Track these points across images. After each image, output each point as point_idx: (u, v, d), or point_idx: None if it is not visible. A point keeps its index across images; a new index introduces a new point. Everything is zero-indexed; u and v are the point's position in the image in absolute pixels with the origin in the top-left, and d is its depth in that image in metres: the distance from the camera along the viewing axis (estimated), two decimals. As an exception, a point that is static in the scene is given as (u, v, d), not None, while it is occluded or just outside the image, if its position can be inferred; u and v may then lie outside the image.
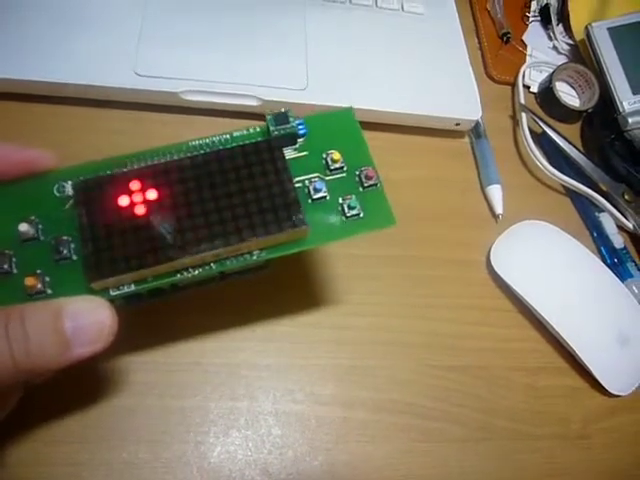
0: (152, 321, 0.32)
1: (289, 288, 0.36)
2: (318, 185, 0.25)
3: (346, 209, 0.26)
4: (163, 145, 0.26)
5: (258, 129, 0.27)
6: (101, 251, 0.23)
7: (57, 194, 0.25)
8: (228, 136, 0.26)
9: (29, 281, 0.22)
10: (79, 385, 0.31)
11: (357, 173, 0.27)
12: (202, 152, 0.25)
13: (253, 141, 0.26)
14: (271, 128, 0.26)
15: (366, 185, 0.26)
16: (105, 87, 0.38)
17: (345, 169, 0.27)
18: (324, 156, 0.27)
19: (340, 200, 0.26)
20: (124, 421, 0.31)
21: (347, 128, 0.28)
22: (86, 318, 0.22)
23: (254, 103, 0.40)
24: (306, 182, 0.26)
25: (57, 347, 0.21)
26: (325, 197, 0.26)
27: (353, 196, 0.26)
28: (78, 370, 0.30)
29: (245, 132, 0.27)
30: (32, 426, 0.30)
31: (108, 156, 0.25)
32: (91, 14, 0.41)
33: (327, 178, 0.26)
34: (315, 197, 0.26)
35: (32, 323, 0.21)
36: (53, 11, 0.40)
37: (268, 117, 0.26)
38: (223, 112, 0.41)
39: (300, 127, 0.26)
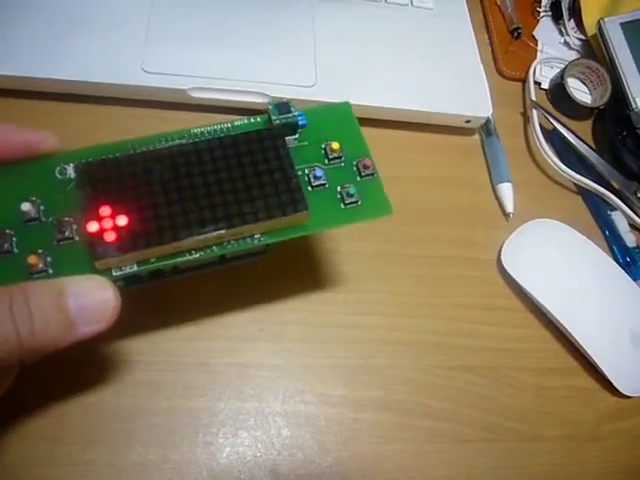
0: (158, 321, 0.33)
1: (297, 287, 0.36)
2: (318, 172, 0.26)
3: (345, 197, 0.26)
4: (165, 132, 0.26)
5: (259, 119, 0.27)
6: (107, 229, 0.23)
7: (59, 176, 0.25)
8: (229, 125, 0.27)
9: (32, 259, 0.22)
10: (85, 385, 0.31)
11: (355, 163, 0.27)
12: (205, 139, 0.26)
13: (256, 129, 0.26)
14: (273, 117, 0.27)
15: (363, 174, 0.27)
16: (112, 84, 0.38)
17: (343, 159, 0.27)
18: (323, 146, 0.27)
19: (339, 188, 0.27)
20: (131, 421, 0.30)
21: (345, 121, 0.29)
22: (90, 297, 0.22)
23: (262, 100, 0.40)
24: (306, 170, 0.27)
25: (61, 326, 0.21)
26: (324, 184, 0.27)
27: (351, 185, 0.26)
28: (84, 368, 0.30)
29: (246, 121, 0.27)
30: (37, 425, 0.29)
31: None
32: (98, 11, 0.40)
33: (326, 167, 0.27)
34: (315, 184, 0.26)
35: (36, 301, 0.21)
36: (60, 9, 0.40)
37: (270, 107, 0.27)
38: (230, 109, 0.40)
39: (300, 117, 0.27)
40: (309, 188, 0.26)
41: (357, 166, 0.27)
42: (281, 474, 0.31)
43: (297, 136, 0.27)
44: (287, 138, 0.27)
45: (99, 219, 0.23)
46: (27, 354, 0.21)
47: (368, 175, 0.27)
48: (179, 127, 0.39)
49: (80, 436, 0.30)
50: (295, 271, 0.35)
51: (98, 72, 0.38)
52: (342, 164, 0.27)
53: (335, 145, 0.27)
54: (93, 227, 0.23)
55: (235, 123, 0.27)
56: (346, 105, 0.29)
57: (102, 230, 0.23)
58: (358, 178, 0.27)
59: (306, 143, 0.27)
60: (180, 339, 0.33)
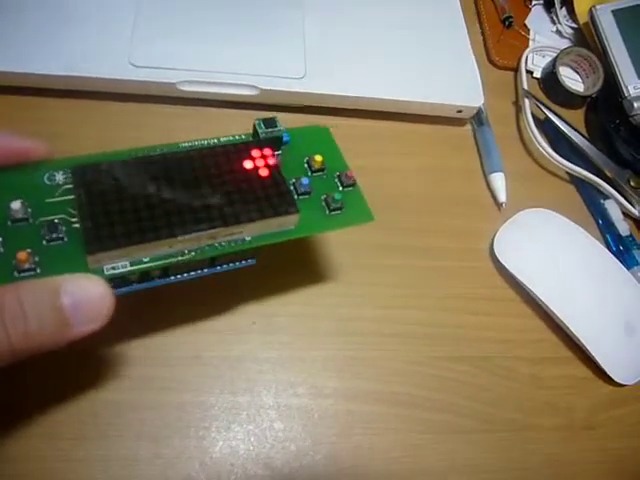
0: (150, 315, 0.32)
1: (289, 280, 0.36)
2: (304, 181, 0.28)
3: (330, 204, 0.28)
4: (155, 145, 0.27)
5: (243, 136, 0.29)
6: (101, 226, 0.23)
7: (47, 182, 0.25)
8: (216, 140, 0.28)
9: (21, 255, 0.22)
10: (76, 381, 0.31)
11: (336, 175, 0.29)
12: (196, 148, 0.27)
13: (244, 139, 0.28)
14: (260, 131, 0.28)
15: (345, 184, 0.29)
16: (100, 79, 0.37)
17: (325, 171, 0.29)
18: (306, 160, 0.29)
19: (323, 196, 0.28)
20: (122, 416, 0.30)
21: (324, 141, 0.30)
22: (85, 295, 0.21)
23: (252, 92, 0.40)
24: (292, 180, 0.28)
25: (56, 326, 0.21)
26: (310, 192, 0.28)
27: (335, 193, 0.28)
28: (74, 364, 0.30)
29: (231, 138, 0.28)
30: (27, 421, 0.29)
31: (101, 149, 0.26)
32: (85, 5, 0.40)
33: (310, 178, 0.28)
34: (301, 191, 0.28)
35: (30, 301, 0.20)
36: (47, 3, 0.39)
37: (256, 121, 0.28)
38: (220, 102, 0.40)
39: (284, 134, 0.28)
40: (295, 196, 0.27)
41: (339, 177, 0.29)
42: (274, 467, 0.31)
43: (280, 152, 0.29)
44: None
45: (95, 216, 0.23)
46: (21, 355, 0.21)
47: (349, 185, 0.29)
48: (168, 120, 0.40)
49: (71, 432, 0.30)
50: (287, 264, 0.35)
51: (86, 66, 0.37)
52: (324, 176, 0.29)
53: (318, 157, 0.28)
54: (89, 223, 0.23)
55: (222, 139, 0.28)
56: (325, 129, 0.31)
57: (97, 226, 0.23)
58: (340, 188, 0.29)
59: (289, 158, 0.29)
60: (171, 333, 0.33)
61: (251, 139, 0.28)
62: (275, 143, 0.28)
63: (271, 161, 0.27)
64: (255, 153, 0.27)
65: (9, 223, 0.23)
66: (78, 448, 0.29)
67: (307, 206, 0.27)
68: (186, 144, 0.27)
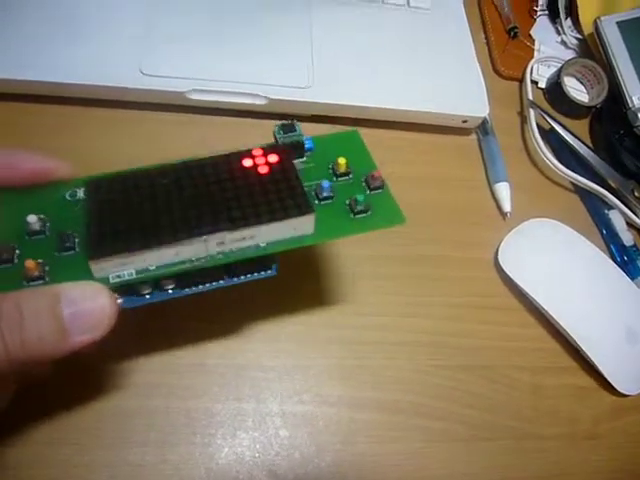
0: (157, 322, 0.32)
1: (294, 288, 0.36)
2: (325, 184, 0.26)
3: (354, 207, 0.26)
4: (165, 162, 0.26)
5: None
6: (105, 233, 0.23)
7: (69, 198, 0.25)
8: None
9: (29, 263, 0.22)
10: (82, 386, 0.31)
11: (363, 178, 0.28)
12: (208, 156, 0.26)
13: (261, 145, 0.27)
14: (278, 136, 0.28)
15: (372, 186, 0.27)
16: (111, 87, 0.38)
17: (351, 175, 0.28)
18: (330, 165, 0.28)
19: (347, 200, 0.27)
20: (128, 423, 0.31)
21: (352, 145, 0.29)
22: (85, 304, 0.21)
23: (260, 102, 0.40)
24: (313, 186, 0.27)
25: (54, 334, 0.20)
26: (332, 197, 0.27)
27: (360, 195, 0.26)
28: (81, 370, 0.31)
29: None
30: (33, 427, 0.30)
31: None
32: (97, 14, 0.41)
33: (333, 183, 0.27)
34: (322, 196, 0.26)
35: (29, 309, 0.20)
36: (58, 12, 0.40)
37: (275, 127, 0.28)
38: (228, 111, 0.41)
39: (307, 140, 0.28)
40: (316, 201, 0.26)
41: (366, 180, 0.28)
42: (279, 474, 0.31)
43: (305, 159, 0.28)
44: (295, 160, 0.27)
45: (101, 224, 0.23)
46: (18, 365, 0.20)
47: (377, 187, 0.27)
48: (177, 129, 0.40)
49: (78, 438, 0.30)
50: (292, 273, 0.35)
51: (97, 75, 0.38)
52: (351, 180, 0.28)
53: (341, 160, 0.27)
54: (94, 231, 0.23)
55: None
56: (353, 132, 0.30)
57: (102, 233, 0.23)
58: (367, 191, 0.27)
59: (313, 164, 0.28)
60: (177, 340, 0.33)
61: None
62: (296, 149, 0.27)
63: (286, 164, 0.26)
64: (271, 158, 0.26)
65: (26, 237, 0.24)
66: (84, 454, 0.29)
67: (329, 211, 0.26)
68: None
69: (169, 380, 0.32)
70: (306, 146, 0.28)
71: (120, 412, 0.31)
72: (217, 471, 0.30)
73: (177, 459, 0.30)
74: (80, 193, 0.25)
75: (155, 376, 0.32)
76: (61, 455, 0.29)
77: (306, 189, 0.26)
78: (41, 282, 0.23)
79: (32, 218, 0.24)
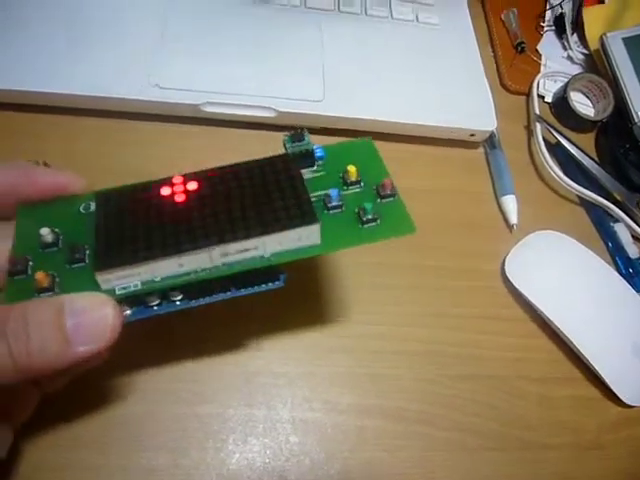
0: (168, 329, 0.33)
1: (304, 297, 0.37)
2: (333, 193, 0.26)
3: (362, 216, 0.26)
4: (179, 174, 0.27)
5: None
6: (112, 245, 0.23)
7: (83, 211, 0.26)
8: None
9: (39, 275, 0.23)
10: (96, 391, 0.32)
11: (374, 187, 0.27)
12: (217, 168, 0.26)
13: (268, 156, 0.27)
14: (287, 146, 0.27)
15: (383, 195, 0.27)
16: (124, 99, 0.39)
17: (362, 184, 0.27)
18: (341, 175, 0.27)
19: (356, 209, 0.26)
20: (141, 427, 0.31)
21: (365, 153, 0.29)
22: (89, 315, 0.21)
23: (271, 115, 0.41)
24: (323, 196, 0.26)
25: (58, 345, 0.21)
26: (341, 205, 0.26)
27: (368, 204, 0.26)
28: (94, 376, 0.31)
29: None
30: (50, 431, 0.30)
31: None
32: (111, 27, 0.42)
33: (344, 192, 0.27)
34: (331, 205, 0.26)
35: (34, 320, 0.20)
36: (73, 24, 0.41)
37: (285, 137, 0.28)
38: (239, 123, 0.42)
39: (317, 149, 0.27)
40: (325, 211, 0.26)
41: (377, 189, 0.27)
42: (289, 480, 0.31)
43: (315, 168, 0.28)
44: (305, 170, 0.27)
45: (108, 236, 0.24)
46: (24, 375, 0.21)
47: (388, 196, 0.27)
48: (189, 140, 0.41)
49: (92, 441, 0.31)
50: (300, 282, 0.36)
51: (110, 87, 0.39)
52: (361, 189, 0.27)
53: (351, 168, 0.27)
54: (101, 242, 0.24)
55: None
56: (366, 141, 0.29)
57: (108, 245, 0.23)
58: (378, 200, 0.27)
59: (324, 173, 0.27)
60: (189, 347, 0.34)
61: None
62: (305, 157, 0.27)
63: (294, 172, 0.26)
64: (279, 167, 0.26)
65: (40, 249, 0.24)
66: (98, 457, 0.30)
67: (337, 220, 0.26)
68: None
69: (182, 386, 0.33)
70: (317, 155, 0.27)
71: (134, 416, 0.31)
72: (228, 476, 0.31)
73: (189, 463, 0.31)
74: (93, 206, 0.26)
75: (168, 382, 0.33)
76: (77, 458, 0.30)
77: (315, 199, 0.26)
78: (50, 294, 0.23)
79: (45, 231, 0.24)
